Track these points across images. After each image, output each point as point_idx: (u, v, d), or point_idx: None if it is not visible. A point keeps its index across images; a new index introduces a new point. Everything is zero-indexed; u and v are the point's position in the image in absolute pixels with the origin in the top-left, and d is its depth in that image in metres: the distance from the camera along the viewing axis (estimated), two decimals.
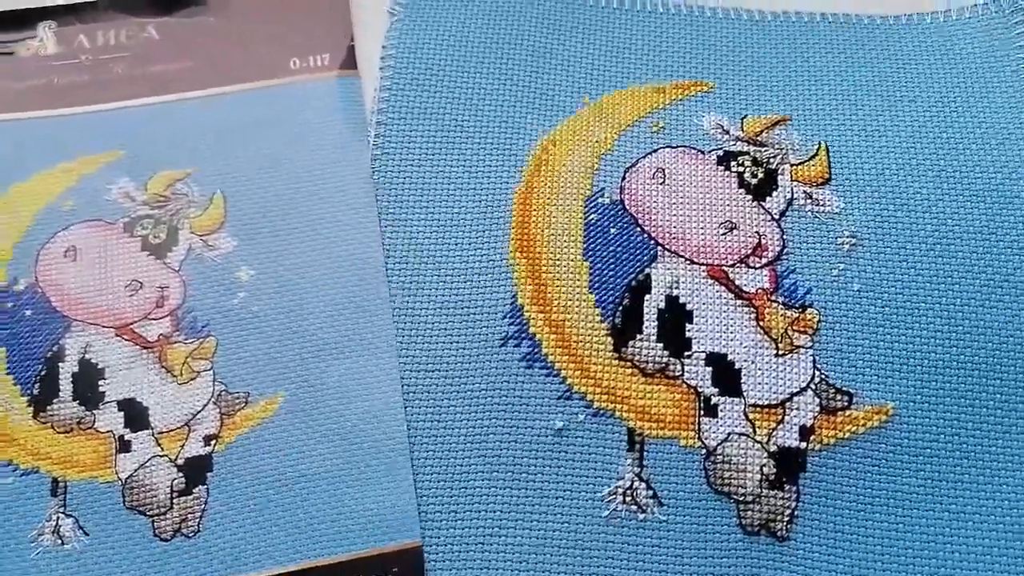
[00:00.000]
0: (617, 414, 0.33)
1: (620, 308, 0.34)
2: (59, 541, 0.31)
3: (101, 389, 0.33)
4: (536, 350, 0.33)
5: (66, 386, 0.33)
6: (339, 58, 0.40)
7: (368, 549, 0.31)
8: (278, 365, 0.33)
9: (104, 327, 0.34)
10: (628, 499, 0.32)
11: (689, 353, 0.33)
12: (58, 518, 0.31)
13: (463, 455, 0.32)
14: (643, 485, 0.32)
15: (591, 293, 0.34)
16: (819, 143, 0.37)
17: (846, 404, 0.33)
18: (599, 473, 0.32)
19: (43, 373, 0.33)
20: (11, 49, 0.40)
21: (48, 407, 0.33)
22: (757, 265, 0.35)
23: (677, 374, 0.33)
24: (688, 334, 0.34)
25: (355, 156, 0.37)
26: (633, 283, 0.34)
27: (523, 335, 0.34)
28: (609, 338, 0.34)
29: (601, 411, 0.33)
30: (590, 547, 0.31)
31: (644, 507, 0.32)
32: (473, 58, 0.39)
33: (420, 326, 0.34)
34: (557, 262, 0.35)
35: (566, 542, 0.31)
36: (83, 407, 0.33)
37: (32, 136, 0.38)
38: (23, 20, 0.40)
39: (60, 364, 0.33)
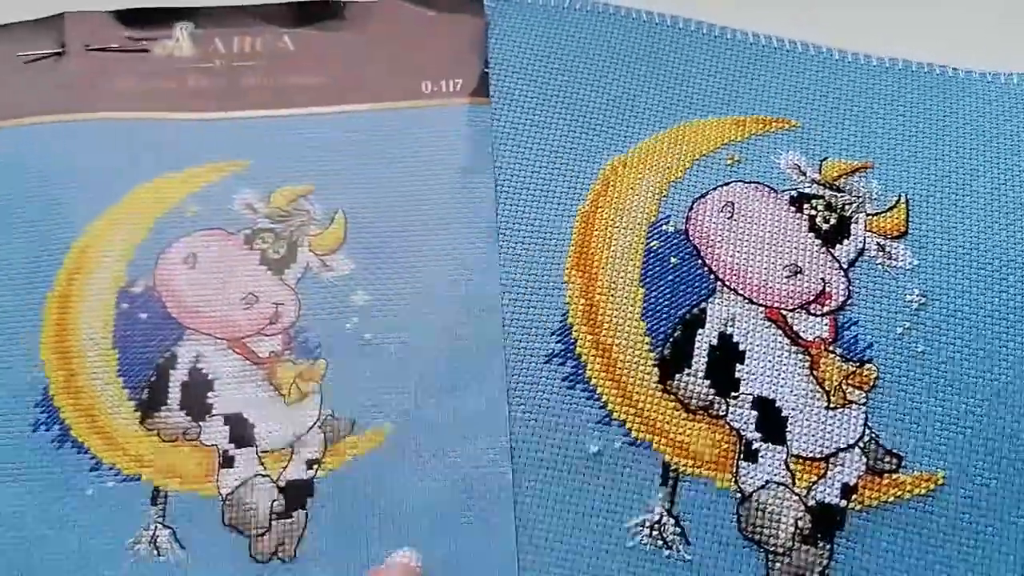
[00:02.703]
0: (654, 446, 0.32)
1: (671, 339, 0.33)
2: (155, 552, 0.30)
3: (209, 401, 0.33)
4: (580, 371, 0.33)
5: (175, 395, 0.33)
6: (471, 85, 0.38)
7: None
8: (386, 395, 0.33)
9: (217, 338, 0.33)
10: (655, 533, 0.31)
11: (736, 394, 0.33)
12: (156, 528, 0.31)
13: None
14: (672, 521, 0.31)
15: (643, 320, 0.34)
16: (899, 195, 0.36)
17: (894, 467, 0.32)
18: (628, 503, 0.31)
19: (153, 379, 0.33)
20: (147, 47, 0.39)
21: (155, 414, 0.32)
22: (818, 313, 0.34)
23: (721, 414, 0.32)
24: (737, 374, 0.33)
25: (480, 187, 0.36)
26: (687, 316, 0.34)
27: (568, 354, 0.33)
28: (656, 368, 0.33)
29: (638, 441, 0.32)
30: (609, 575, 0.31)
31: (670, 544, 0.31)
32: (551, 69, 0.39)
33: None
34: (613, 284, 0.34)
35: (585, 566, 0.31)
36: (190, 417, 0.32)
37: (160, 138, 0.37)
38: (160, 19, 0.40)
39: (171, 372, 0.33)
